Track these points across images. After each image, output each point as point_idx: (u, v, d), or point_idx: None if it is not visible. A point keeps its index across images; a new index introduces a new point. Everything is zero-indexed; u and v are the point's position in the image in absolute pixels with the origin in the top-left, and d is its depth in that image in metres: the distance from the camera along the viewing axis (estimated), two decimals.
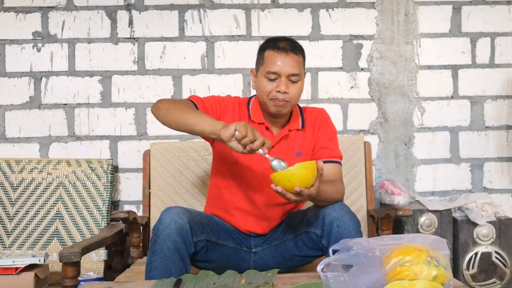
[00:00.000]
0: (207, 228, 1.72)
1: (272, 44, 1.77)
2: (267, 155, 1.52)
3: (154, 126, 2.53)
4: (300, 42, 1.87)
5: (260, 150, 1.51)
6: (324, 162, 1.81)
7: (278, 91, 1.72)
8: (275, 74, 1.73)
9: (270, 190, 1.77)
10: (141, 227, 2.27)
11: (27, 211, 2.35)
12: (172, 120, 1.66)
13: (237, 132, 1.49)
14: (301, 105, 1.94)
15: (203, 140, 1.90)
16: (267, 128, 1.84)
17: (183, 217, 1.61)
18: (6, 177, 2.38)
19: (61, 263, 1.79)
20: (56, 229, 2.34)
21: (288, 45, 1.75)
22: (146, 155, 2.36)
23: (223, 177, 1.86)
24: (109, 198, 2.38)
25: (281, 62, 1.72)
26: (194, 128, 1.61)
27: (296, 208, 1.92)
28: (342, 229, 1.61)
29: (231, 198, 1.84)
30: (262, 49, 1.80)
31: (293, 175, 1.48)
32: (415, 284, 1.13)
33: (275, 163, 1.54)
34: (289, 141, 1.85)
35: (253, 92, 2.52)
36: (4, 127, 2.51)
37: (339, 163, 1.85)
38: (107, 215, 2.36)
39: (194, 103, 1.77)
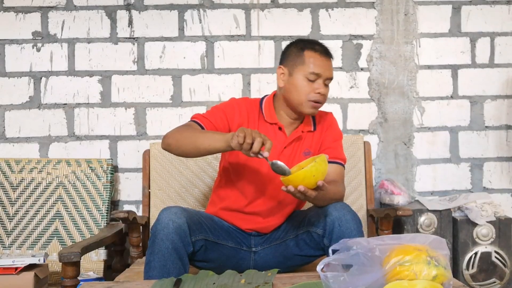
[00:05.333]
0: (206, 227, 1.73)
1: (311, 45, 1.80)
2: (267, 157, 1.50)
3: (154, 126, 2.53)
4: None
5: (265, 153, 1.50)
6: (328, 162, 1.83)
7: (318, 93, 1.75)
8: (317, 76, 1.76)
9: (275, 192, 1.78)
10: (141, 227, 2.27)
11: (27, 211, 2.35)
12: (187, 151, 1.68)
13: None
14: None
15: None
16: (280, 129, 1.84)
17: (181, 217, 1.61)
18: (6, 177, 2.38)
19: (61, 263, 1.79)
20: (56, 229, 2.34)
21: (326, 49, 1.81)
22: (146, 155, 2.36)
23: (230, 179, 1.86)
24: (108, 198, 2.38)
25: (324, 65, 1.77)
26: (209, 150, 1.64)
27: (297, 209, 1.92)
28: (344, 228, 1.62)
29: (236, 199, 1.84)
30: (300, 49, 1.80)
31: (317, 170, 1.48)
32: (415, 284, 1.13)
33: (279, 164, 1.51)
34: (301, 142, 1.86)
35: (253, 92, 2.54)
36: (4, 127, 2.51)
37: (342, 165, 1.86)
38: (106, 215, 2.36)
39: (199, 123, 1.76)
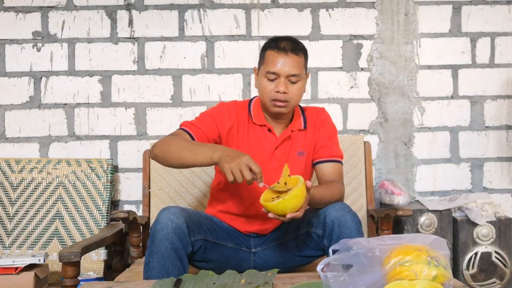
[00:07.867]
0: (205, 228, 1.72)
1: (274, 44, 1.76)
2: (263, 186, 1.51)
3: (154, 126, 2.53)
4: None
5: (260, 184, 1.50)
6: (325, 161, 1.83)
7: (278, 91, 1.72)
8: (274, 74, 1.73)
9: None
10: (141, 227, 2.27)
11: (27, 211, 2.35)
12: (173, 165, 1.68)
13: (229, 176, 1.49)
14: (301, 105, 1.94)
15: None
16: (269, 130, 1.83)
17: (180, 217, 1.61)
18: (6, 177, 2.38)
19: (61, 263, 1.79)
20: (56, 229, 2.34)
21: (288, 45, 1.74)
22: (146, 155, 2.36)
23: (227, 183, 1.85)
24: (109, 198, 2.38)
25: (281, 63, 1.72)
26: (195, 165, 1.64)
27: None
28: (344, 229, 1.61)
29: (233, 203, 1.84)
30: (264, 49, 1.80)
31: (284, 206, 1.46)
32: (415, 284, 1.13)
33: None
34: (292, 142, 1.85)
35: (253, 92, 2.54)
36: (4, 127, 2.51)
37: (340, 162, 1.85)
38: (107, 215, 2.36)
39: (188, 132, 1.74)
